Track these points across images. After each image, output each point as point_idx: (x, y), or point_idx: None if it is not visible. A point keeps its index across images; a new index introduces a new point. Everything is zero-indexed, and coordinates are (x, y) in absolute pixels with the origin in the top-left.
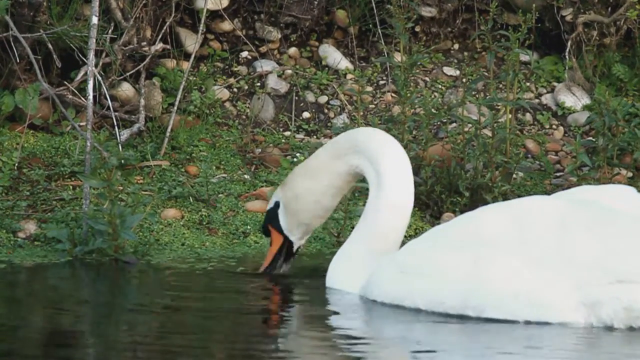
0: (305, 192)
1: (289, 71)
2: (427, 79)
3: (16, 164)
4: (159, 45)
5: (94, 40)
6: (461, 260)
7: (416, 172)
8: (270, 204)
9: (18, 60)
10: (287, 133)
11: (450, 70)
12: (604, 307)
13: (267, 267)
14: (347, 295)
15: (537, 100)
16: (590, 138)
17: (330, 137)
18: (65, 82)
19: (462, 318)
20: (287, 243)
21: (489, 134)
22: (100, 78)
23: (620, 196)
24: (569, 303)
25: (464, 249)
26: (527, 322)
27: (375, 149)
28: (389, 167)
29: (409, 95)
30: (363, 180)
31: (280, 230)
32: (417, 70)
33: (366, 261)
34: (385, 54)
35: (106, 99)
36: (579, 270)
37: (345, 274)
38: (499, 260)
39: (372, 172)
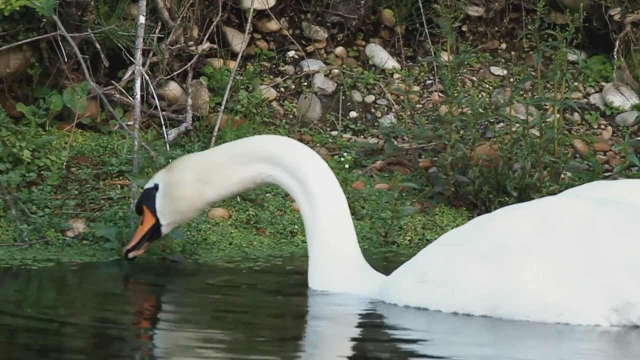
0: (191, 184)
1: (336, 71)
2: (474, 78)
3: (65, 163)
4: (206, 45)
5: (142, 40)
6: (486, 268)
7: (464, 172)
8: (150, 184)
9: (66, 60)
10: (334, 133)
11: (497, 70)
12: (633, 309)
13: (133, 246)
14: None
15: (585, 100)
16: (639, 138)
17: (378, 137)
18: (113, 82)
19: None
20: (156, 226)
21: (537, 133)
22: (147, 77)
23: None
24: (599, 308)
25: (486, 256)
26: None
27: (294, 159)
28: (315, 177)
29: (456, 94)
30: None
31: (153, 212)
32: (464, 70)
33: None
34: (432, 53)
35: (153, 98)
36: (607, 273)
37: (340, 276)
38: (525, 268)
39: (294, 182)
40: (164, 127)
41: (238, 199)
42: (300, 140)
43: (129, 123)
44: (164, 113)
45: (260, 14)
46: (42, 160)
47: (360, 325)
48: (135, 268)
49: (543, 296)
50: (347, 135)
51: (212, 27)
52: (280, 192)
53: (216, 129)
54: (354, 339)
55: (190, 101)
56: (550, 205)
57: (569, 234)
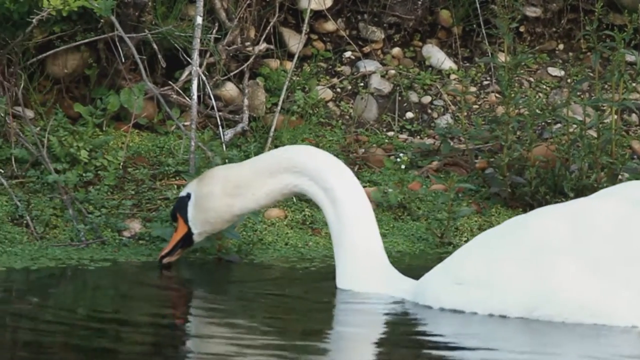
0: (222, 195)
1: (393, 71)
2: (531, 79)
3: (121, 163)
4: (262, 46)
5: (199, 41)
6: (522, 269)
7: (520, 173)
8: (183, 193)
9: (123, 60)
10: (391, 133)
11: (554, 71)
12: None
13: (166, 252)
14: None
15: None
16: None
17: (434, 138)
18: (170, 82)
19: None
20: (188, 234)
21: (594, 134)
22: (204, 78)
23: None
24: (635, 309)
25: (523, 258)
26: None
27: (317, 167)
28: (339, 184)
29: (513, 95)
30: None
31: (186, 220)
32: (522, 71)
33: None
34: (489, 54)
35: (210, 98)
36: None
37: (369, 277)
38: (562, 269)
39: (319, 190)
40: (220, 127)
41: (294, 199)
42: (356, 141)
43: (186, 123)
44: (220, 113)
45: (317, 15)
46: (99, 161)
47: (394, 327)
48: (191, 268)
49: (580, 297)
50: (404, 136)
51: (269, 28)
52: None
53: (272, 129)
54: (388, 341)
55: (246, 102)
56: (586, 206)
57: (604, 234)
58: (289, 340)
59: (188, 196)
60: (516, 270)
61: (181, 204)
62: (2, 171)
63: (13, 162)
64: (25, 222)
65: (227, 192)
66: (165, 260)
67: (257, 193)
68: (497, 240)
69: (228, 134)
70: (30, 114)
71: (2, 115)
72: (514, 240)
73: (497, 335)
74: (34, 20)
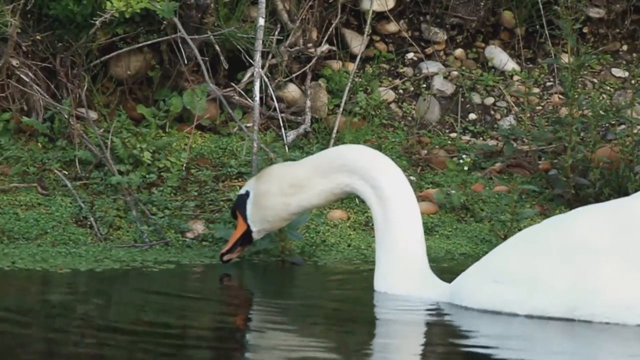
0: (278, 194)
1: (455, 72)
2: (595, 80)
3: (184, 165)
4: (324, 47)
5: (261, 42)
6: (564, 269)
7: (584, 174)
8: (242, 191)
9: (186, 62)
10: (453, 135)
11: (618, 72)
12: None
13: (226, 250)
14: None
15: None
16: None
17: (497, 139)
18: (232, 84)
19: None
20: (248, 232)
21: None
22: (266, 79)
23: None
24: None
25: (565, 256)
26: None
27: (368, 165)
28: (389, 183)
29: (576, 96)
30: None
31: (245, 218)
32: (585, 72)
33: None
34: (553, 55)
35: (272, 100)
36: None
37: (407, 279)
38: (606, 269)
39: (369, 190)
40: (282, 128)
41: (357, 200)
42: (419, 142)
43: (248, 125)
44: (282, 115)
45: (380, 16)
46: (162, 162)
47: (431, 329)
48: (254, 270)
49: (623, 297)
50: (466, 137)
51: (331, 29)
52: None
53: (334, 130)
54: (424, 344)
55: (309, 103)
56: (628, 205)
57: None
58: (333, 353)
59: (247, 194)
60: (557, 268)
61: (240, 202)
62: (66, 173)
63: (77, 164)
64: (89, 223)
65: (282, 191)
66: (225, 258)
67: (311, 192)
68: (537, 238)
69: (290, 135)
70: (93, 115)
71: (66, 117)
72: (555, 238)
73: (538, 337)
74: (97, 22)
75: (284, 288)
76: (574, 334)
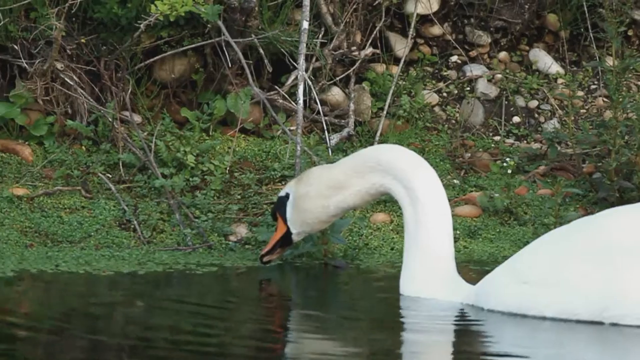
0: (317, 196)
1: (499, 75)
2: (639, 83)
3: (228, 168)
4: (368, 50)
5: (305, 45)
6: (595, 269)
7: (628, 177)
8: (282, 193)
9: (230, 65)
10: (497, 138)
11: None
12: None
13: (266, 252)
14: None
15: None
16: None
17: (541, 142)
18: (276, 87)
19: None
20: (287, 233)
21: None
22: (310, 82)
23: None
24: None
25: (595, 257)
26: None
27: (401, 165)
28: (421, 184)
29: (621, 99)
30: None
31: (285, 220)
32: (630, 75)
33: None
34: (597, 58)
35: (316, 103)
36: None
37: (432, 283)
38: (636, 269)
39: (402, 190)
40: (326, 132)
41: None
42: (463, 145)
43: (292, 128)
44: (326, 118)
45: (424, 19)
46: (205, 165)
47: (456, 334)
48: (297, 273)
49: None
50: (510, 140)
51: (375, 32)
52: None
53: (378, 134)
54: (448, 350)
55: (352, 106)
56: None
57: None
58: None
59: (287, 196)
60: (586, 269)
61: (280, 204)
62: (110, 176)
63: (120, 167)
64: (132, 226)
65: (321, 193)
66: (265, 259)
67: (347, 193)
68: (566, 239)
69: (334, 138)
70: (137, 118)
71: (110, 120)
72: (584, 239)
73: (566, 341)
74: (141, 26)
75: (326, 292)
76: (603, 339)
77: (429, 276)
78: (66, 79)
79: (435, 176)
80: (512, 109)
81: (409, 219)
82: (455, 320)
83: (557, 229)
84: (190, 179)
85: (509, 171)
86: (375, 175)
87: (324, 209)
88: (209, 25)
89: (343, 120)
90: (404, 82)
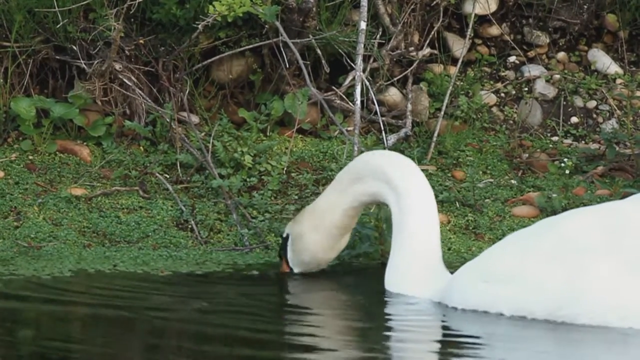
0: (309, 232)
1: (557, 76)
2: None
3: (285, 168)
4: (426, 50)
5: (362, 46)
6: (552, 269)
7: None
8: (284, 234)
9: (287, 66)
10: (555, 138)
11: None
12: None
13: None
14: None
15: None
16: None
17: (599, 143)
18: (334, 87)
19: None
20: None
21: None
22: (367, 83)
23: None
24: None
25: (553, 256)
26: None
27: (391, 172)
28: (409, 189)
29: None
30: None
31: (287, 261)
32: None
33: (427, 266)
34: None
35: (374, 103)
36: None
37: (412, 280)
38: (593, 270)
39: (390, 195)
40: (383, 132)
41: (457, 204)
42: (520, 146)
43: (349, 128)
44: (383, 118)
45: (482, 19)
46: (262, 166)
47: (417, 330)
48: (354, 274)
49: (608, 299)
50: (568, 141)
51: (432, 33)
52: (499, 198)
53: (435, 134)
54: (407, 343)
55: (410, 107)
56: (620, 209)
57: (636, 236)
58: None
59: (287, 237)
60: (543, 269)
61: (283, 245)
62: (168, 176)
63: (178, 167)
64: (190, 226)
65: (311, 228)
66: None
67: (335, 216)
68: (528, 239)
69: (391, 139)
70: (195, 119)
71: (168, 120)
72: (545, 239)
73: (522, 337)
74: (199, 26)
75: (379, 293)
76: (557, 336)
77: (412, 274)
78: (124, 79)
79: (419, 173)
80: (570, 109)
81: (395, 218)
82: (419, 317)
83: (523, 229)
84: (248, 180)
85: (567, 172)
86: (358, 186)
87: (317, 243)
88: (266, 26)
89: (400, 121)
90: (461, 83)
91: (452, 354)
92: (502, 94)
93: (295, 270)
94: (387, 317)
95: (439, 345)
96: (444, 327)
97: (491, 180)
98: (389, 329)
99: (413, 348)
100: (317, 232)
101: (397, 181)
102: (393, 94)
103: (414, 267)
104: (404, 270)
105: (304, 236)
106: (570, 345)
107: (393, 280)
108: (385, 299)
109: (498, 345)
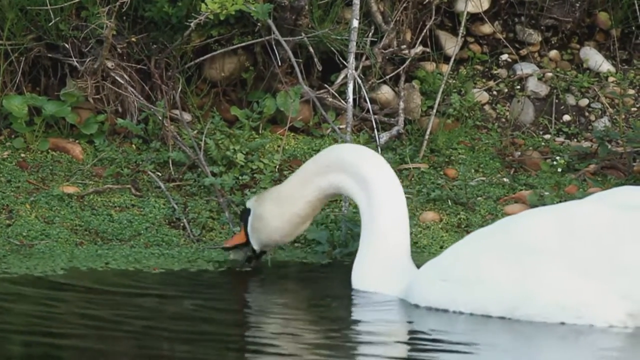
0: (269, 216)
1: (550, 74)
2: None
3: (277, 166)
4: (418, 48)
5: (355, 44)
6: (506, 269)
7: None
8: (248, 204)
9: (280, 64)
10: (547, 136)
11: None
12: None
13: (225, 247)
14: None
15: None
16: None
17: (591, 141)
18: (326, 85)
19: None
20: (246, 244)
21: None
22: (360, 81)
23: None
24: (615, 313)
25: (509, 257)
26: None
27: (360, 165)
28: (379, 184)
29: None
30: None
31: (246, 231)
32: None
33: (393, 264)
34: None
35: (366, 101)
36: (625, 279)
37: (378, 277)
38: (546, 271)
39: (357, 188)
40: (375, 130)
41: (449, 202)
42: (513, 144)
43: (341, 126)
44: (375, 116)
45: (474, 17)
46: (255, 164)
47: (375, 327)
48: (346, 272)
49: (561, 299)
50: (560, 139)
51: (425, 31)
52: (491, 196)
53: (428, 132)
54: (366, 342)
55: (402, 105)
56: (574, 209)
57: (590, 238)
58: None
59: (249, 211)
60: (499, 269)
61: (244, 216)
62: (160, 174)
63: (170, 165)
64: (182, 224)
65: (272, 213)
66: (225, 253)
67: (298, 205)
68: (485, 239)
69: (383, 137)
70: (187, 117)
71: (160, 118)
72: (500, 239)
73: (479, 335)
74: (192, 24)
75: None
76: (514, 331)
77: (378, 272)
78: (117, 77)
79: (388, 168)
80: (562, 107)
81: (364, 214)
82: (381, 315)
83: (482, 228)
84: (240, 177)
85: (559, 170)
86: (320, 179)
87: (277, 229)
88: (259, 24)
89: (393, 119)
90: (454, 81)
91: (411, 350)
92: (495, 92)
93: (252, 243)
94: (351, 315)
95: (396, 343)
96: (404, 324)
97: (483, 178)
98: (350, 326)
99: (370, 345)
100: (277, 218)
101: (366, 175)
102: (385, 92)
103: (381, 263)
104: (370, 266)
105: (264, 219)
106: (527, 339)
107: (360, 277)
108: (352, 296)
109: (459, 341)
